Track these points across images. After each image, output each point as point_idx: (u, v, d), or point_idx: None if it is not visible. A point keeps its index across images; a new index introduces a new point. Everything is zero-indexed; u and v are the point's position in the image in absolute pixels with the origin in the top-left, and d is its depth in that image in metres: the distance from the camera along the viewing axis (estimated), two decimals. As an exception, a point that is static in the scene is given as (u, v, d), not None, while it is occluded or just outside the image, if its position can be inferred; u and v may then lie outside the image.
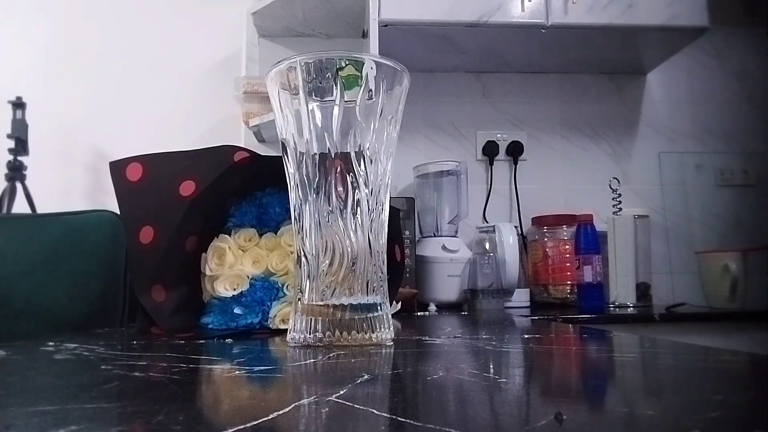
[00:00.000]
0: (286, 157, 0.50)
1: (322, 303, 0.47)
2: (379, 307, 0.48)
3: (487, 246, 1.40)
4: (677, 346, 0.48)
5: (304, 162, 0.48)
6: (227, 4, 1.73)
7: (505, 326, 0.66)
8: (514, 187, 1.69)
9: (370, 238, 0.49)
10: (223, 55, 1.74)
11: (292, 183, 0.50)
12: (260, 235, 0.66)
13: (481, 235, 1.44)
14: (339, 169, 0.48)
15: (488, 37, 1.49)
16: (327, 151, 0.48)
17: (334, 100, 0.47)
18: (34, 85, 1.64)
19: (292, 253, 0.63)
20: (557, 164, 1.74)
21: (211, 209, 0.65)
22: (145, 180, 0.62)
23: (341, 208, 0.48)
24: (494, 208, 1.68)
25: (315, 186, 0.48)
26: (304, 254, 0.49)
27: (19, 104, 1.53)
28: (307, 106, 0.48)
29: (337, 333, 0.46)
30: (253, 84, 1.53)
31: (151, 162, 0.62)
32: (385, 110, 0.49)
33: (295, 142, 0.49)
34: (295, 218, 0.50)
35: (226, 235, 0.66)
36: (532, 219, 1.57)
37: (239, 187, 0.66)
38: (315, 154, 0.48)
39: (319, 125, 0.48)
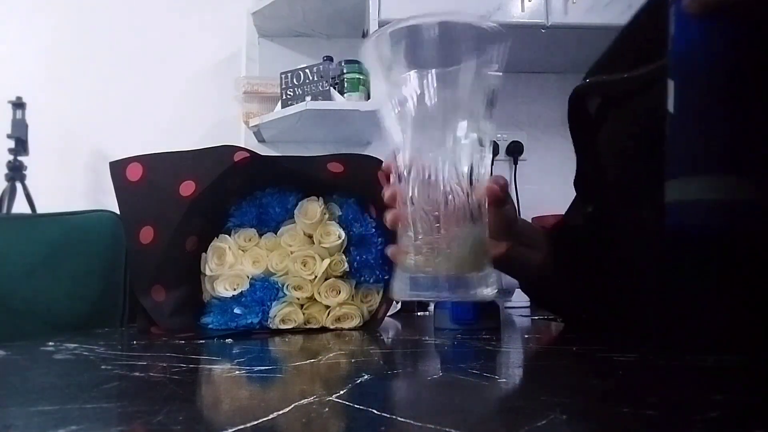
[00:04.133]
0: (397, 121, 0.48)
1: (427, 258, 0.48)
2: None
3: (487, 246, 1.40)
4: (677, 346, 0.48)
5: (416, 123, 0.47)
6: (227, 4, 1.73)
7: (505, 326, 0.66)
8: (514, 187, 1.69)
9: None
10: (223, 55, 1.74)
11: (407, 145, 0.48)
12: (260, 235, 0.66)
13: (481, 235, 1.44)
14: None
15: (488, 37, 1.49)
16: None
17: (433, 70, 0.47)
18: (34, 85, 1.64)
19: (292, 253, 0.63)
20: (557, 164, 1.73)
21: (211, 209, 0.65)
22: (145, 180, 0.62)
23: None
24: (494, 208, 1.68)
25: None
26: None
27: (19, 104, 1.54)
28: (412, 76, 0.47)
29: (442, 291, 0.47)
30: (253, 84, 1.53)
31: (151, 162, 0.62)
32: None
33: (408, 108, 0.47)
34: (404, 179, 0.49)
35: (226, 235, 0.66)
36: (532, 219, 1.57)
37: (239, 187, 0.66)
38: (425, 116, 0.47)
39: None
